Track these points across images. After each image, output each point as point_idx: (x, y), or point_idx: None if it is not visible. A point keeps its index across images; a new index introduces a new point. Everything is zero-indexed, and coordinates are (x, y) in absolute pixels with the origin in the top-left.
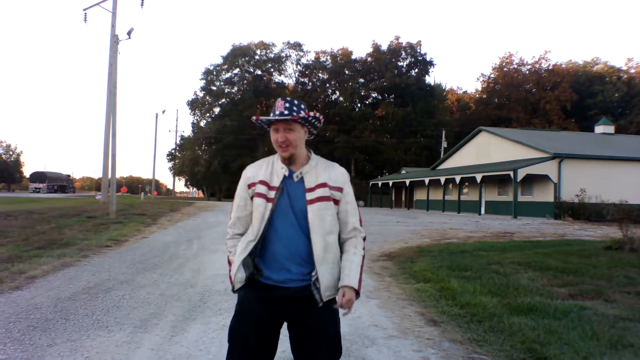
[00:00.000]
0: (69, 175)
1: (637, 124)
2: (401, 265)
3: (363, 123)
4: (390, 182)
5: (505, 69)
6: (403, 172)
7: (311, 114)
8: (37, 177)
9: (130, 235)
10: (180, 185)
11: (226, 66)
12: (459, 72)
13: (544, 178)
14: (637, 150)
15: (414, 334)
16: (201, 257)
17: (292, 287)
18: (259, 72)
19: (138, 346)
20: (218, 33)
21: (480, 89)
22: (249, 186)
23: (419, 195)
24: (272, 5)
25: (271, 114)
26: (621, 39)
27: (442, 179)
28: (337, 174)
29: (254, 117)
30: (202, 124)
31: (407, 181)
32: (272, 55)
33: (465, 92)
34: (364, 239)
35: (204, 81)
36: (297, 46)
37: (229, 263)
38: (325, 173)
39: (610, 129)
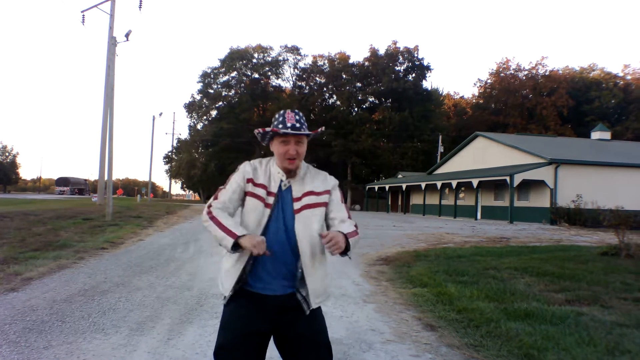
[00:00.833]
0: (86, 180)
1: (633, 130)
2: (398, 269)
3: (360, 127)
4: (387, 187)
5: (502, 74)
6: (400, 176)
7: (319, 130)
8: (62, 181)
9: (127, 237)
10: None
11: (223, 69)
12: (455, 77)
13: (540, 183)
14: (633, 156)
15: (411, 338)
16: (197, 260)
17: (282, 295)
18: (257, 76)
19: (134, 349)
20: (216, 36)
21: (477, 94)
22: (248, 180)
23: (416, 199)
24: (270, 9)
25: (277, 124)
26: (618, 45)
27: (439, 184)
28: (324, 183)
29: (262, 129)
30: (199, 126)
31: (404, 185)
32: (270, 59)
33: (462, 97)
34: (356, 226)
35: (201, 84)
36: (294, 50)
37: (219, 223)
38: (313, 182)
39: (607, 135)
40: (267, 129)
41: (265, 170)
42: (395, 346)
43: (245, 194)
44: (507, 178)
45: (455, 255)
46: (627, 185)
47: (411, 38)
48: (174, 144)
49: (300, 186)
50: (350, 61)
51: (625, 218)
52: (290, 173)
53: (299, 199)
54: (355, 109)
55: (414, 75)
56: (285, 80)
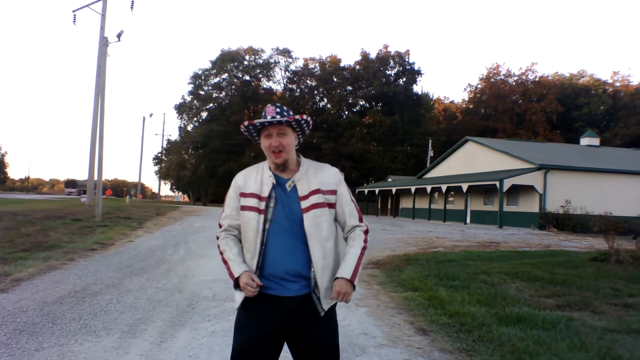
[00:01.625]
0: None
1: (621, 137)
2: (389, 273)
3: (350, 130)
4: (377, 190)
5: (492, 79)
6: (389, 180)
7: (303, 116)
8: (70, 183)
9: (117, 238)
10: (165, 189)
11: (214, 71)
12: (446, 82)
13: (529, 188)
14: (622, 162)
15: (404, 342)
16: (188, 262)
17: (296, 296)
18: (248, 78)
19: (127, 352)
20: (207, 38)
21: (467, 99)
22: (241, 194)
23: (405, 203)
24: (262, 12)
25: (258, 120)
26: (607, 52)
27: (429, 188)
28: (329, 176)
29: (245, 123)
30: (189, 128)
31: (394, 189)
32: (261, 61)
33: (452, 102)
34: (366, 232)
35: (192, 85)
36: (286, 52)
37: (225, 262)
38: (317, 177)
39: (596, 141)
40: (246, 123)
41: (257, 175)
42: (389, 350)
43: (242, 208)
44: (497, 183)
45: (445, 260)
46: (615, 191)
47: (402, 42)
48: (164, 145)
49: (305, 184)
50: (342, 64)
51: (615, 224)
52: (280, 167)
53: (305, 197)
54: (346, 113)
55: (404, 79)
56: (276, 82)
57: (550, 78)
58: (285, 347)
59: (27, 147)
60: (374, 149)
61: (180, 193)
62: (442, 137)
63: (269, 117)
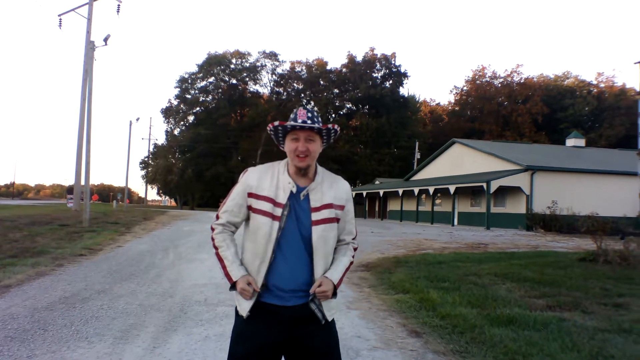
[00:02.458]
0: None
1: (606, 137)
2: (379, 275)
3: None
4: (364, 193)
5: (478, 81)
6: (377, 182)
7: (335, 126)
8: (71, 190)
9: (105, 244)
10: (152, 194)
11: (201, 74)
12: (432, 84)
13: (516, 190)
14: (607, 163)
15: (397, 345)
16: (178, 266)
17: (295, 306)
18: (234, 81)
19: (120, 358)
20: (194, 41)
21: (453, 101)
22: (249, 195)
23: (393, 205)
24: (249, 15)
25: (289, 122)
26: (592, 53)
27: (416, 190)
28: (342, 191)
29: (276, 124)
30: (176, 132)
31: (381, 192)
32: (248, 65)
33: (438, 104)
34: (355, 249)
35: (179, 89)
36: (272, 56)
37: (221, 260)
38: (331, 191)
39: (581, 142)
40: (276, 123)
41: (272, 178)
42: (382, 353)
43: (249, 208)
44: (484, 184)
45: (435, 262)
46: (601, 192)
47: (389, 45)
48: (151, 150)
49: (319, 195)
50: (328, 67)
51: (603, 224)
52: (301, 172)
53: (317, 209)
54: (333, 115)
55: (391, 82)
56: (263, 86)
57: (535, 80)
58: None
59: (12, 152)
60: (361, 152)
61: (167, 197)
62: (428, 139)
63: (299, 121)
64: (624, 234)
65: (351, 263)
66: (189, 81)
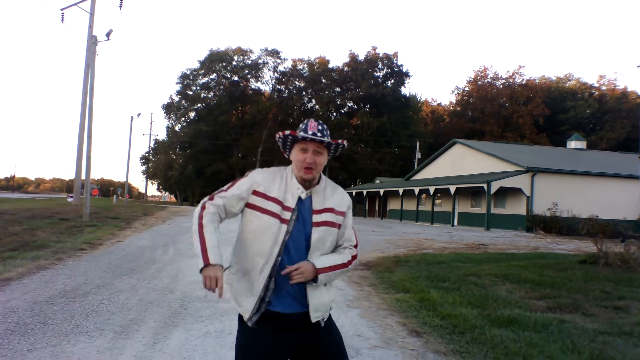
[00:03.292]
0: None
1: (607, 140)
2: (380, 274)
3: (338, 132)
4: (364, 192)
5: (479, 82)
6: (377, 181)
7: (344, 142)
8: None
9: (105, 238)
10: (152, 189)
11: (203, 71)
12: (433, 84)
13: (516, 191)
14: (608, 166)
15: (397, 344)
16: (178, 262)
17: (302, 312)
18: (236, 78)
19: (120, 353)
20: (196, 38)
21: (454, 101)
22: (255, 192)
23: (393, 205)
24: (251, 12)
25: (298, 132)
26: (594, 56)
27: (416, 190)
28: (342, 200)
29: (287, 133)
30: (176, 128)
31: (381, 191)
32: (250, 62)
33: (439, 104)
34: (355, 256)
35: (180, 85)
36: (274, 53)
37: (202, 237)
38: (333, 197)
39: (582, 144)
40: (287, 132)
41: (282, 182)
42: (383, 352)
43: (248, 206)
44: (484, 185)
45: (435, 261)
46: (601, 195)
47: (391, 44)
48: (152, 145)
49: (321, 198)
50: (330, 66)
51: (603, 227)
52: (306, 184)
53: (319, 212)
54: (334, 114)
55: (392, 81)
56: (265, 83)
57: (537, 81)
58: None
59: (12, 146)
60: (362, 151)
61: (167, 193)
62: (429, 139)
63: (310, 132)
64: (625, 237)
65: (345, 264)
66: (191, 77)
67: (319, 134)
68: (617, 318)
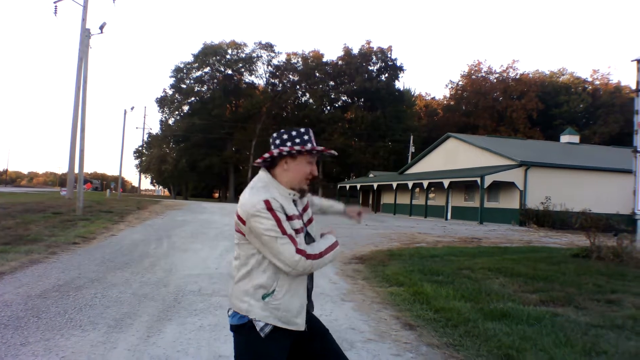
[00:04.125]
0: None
1: (601, 135)
2: (373, 268)
3: (332, 126)
4: (358, 186)
5: (473, 76)
6: (371, 175)
7: (330, 152)
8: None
9: (98, 232)
10: (146, 183)
11: (197, 64)
12: (427, 78)
13: (510, 185)
14: (601, 160)
15: (391, 337)
16: (172, 256)
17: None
18: (230, 72)
19: (114, 346)
20: (190, 31)
21: (448, 95)
22: (287, 218)
23: (387, 199)
24: (245, 5)
25: (306, 142)
26: (587, 51)
27: (410, 184)
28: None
29: (319, 148)
30: (170, 122)
31: (375, 185)
32: (244, 55)
33: (433, 98)
34: None
35: (174, 79)
36: (268, 47)
37: (327, 249)
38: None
39: (576, 138)
40: (319, 148)
41: (281, 196)
42: (376, 345)
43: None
44: (478, 179)
45: (429, 255)
46: (594, 189)
47: (385, 38)
48: (145, 139)
49: (303, 199)
50: (324, 60)
51: (597, 221)
52: (301, 194)
53: (304, 210)
54: (328, 108)
55: (386, 75)
56: (259, 77)
57: (531, 76)
58: None
59: (5, 139)
60: (356, 145)
61: (160, 187)
62: (423, 133)
63: (315, 144)
64: (617, 231)
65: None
66: (184, 71)
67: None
68: (609, 311)
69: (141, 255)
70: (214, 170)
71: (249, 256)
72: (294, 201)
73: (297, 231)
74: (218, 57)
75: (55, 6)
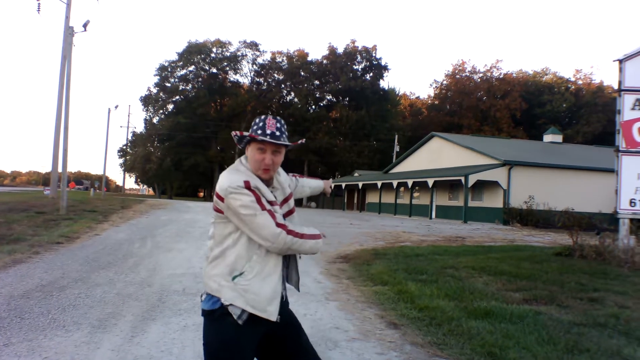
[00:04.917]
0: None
1: (583, 134)
2: (358, 267)
3: (317, 125)
4: (343, 185)
5: (457, 76)
6: (356, 174)
7: (303, 141)
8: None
9: (82, 232)
10: (130, 182)
11: (181, 63)
12: (412, 77)
13: (494, 184)
14: (584, 159)
15: (376, 336)
16: (156, 255)
17: (284, 299)
18: (214, 70)
19: (98, 347)
20: (174, 29)
21: (432, 95)
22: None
23: (371, 198)
24: (230, 3)
25: (256, 130)
26: (570, 50)
27: (395, 183)
28: (287, 179)
29: (239, 133)
30: (155, 120)
31: (360, 184)
32: (228, 54)
33: (417, 98)
34: None
35: (158, 77)
36: (253, 45)
37: (303, 235)
38: (283, 181)
39: (559, 138)
40: (245, 134)
41: (260, 183)
42: (361, 344)
43: None
44: (462, 178)
45: (413, 254)
46: (577, 188)
47: (370, 37)
48: (129, 138)
49: (281, 189)
50: (309, 59)
51: (579, 220)
52: (264, 182)
53: (285, 201)
54: (313, 107)
55: (371, 74)
56: (244, 75)
57: (514, 75)
58: None
59: None
60: (341, 144)
61: (145, 186)
62: (408, 132)
63: (268, 132)
64: (600, 230)
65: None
66: (169, 69)
67: (277, 133)
68: (591, 309)
69: (125, 254)
70: (198, 169)
71: (224, 236)
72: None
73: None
74: (203, 56)
75: (39, 3)
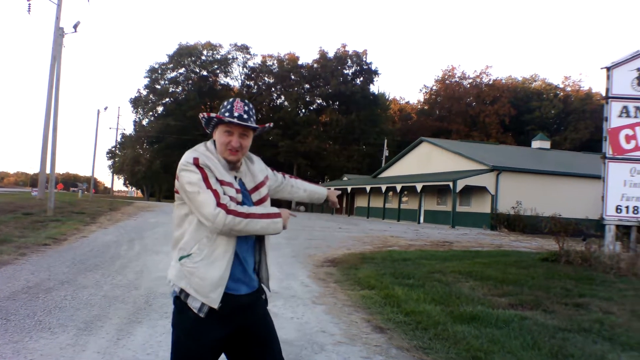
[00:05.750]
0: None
1: (571, 140)
2: (345, 271)
3: (307, 128)
4: (332, 189)
5: (447, 81)
6: (345, 178)
7: (270, 124)
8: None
9: (70, 233)
10: (119, 184)
11: (172, 65)
12: (402, 82)
13: (482, 189)
14: (571, 165)
15: (362, 340)
16: (144, 258)
17: (251, 292)
18: (205, 73)
19: (83, 349)
20: (165, 31)
21: (422, 100)
22: (217, 181)
23: (360, 202)
24: (221, 6)
25: (224, 112)
26: (559, 57)
27: (383, 187)
28: (261, 165)
29: (212, 115)
30: (144, 122)
31: (349, 188)
32: (219, 57)
33: (407, 103)
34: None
35: (148, 79)
36: (244, 49)
37: (252, 214)
38: (256, 168)
39: (547, 144)
40: (212, 115)
41: (220, 165)
42: (347, 348)
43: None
44: (450, 183)
45: (400, 259)
46: (564, 194)
47: (360, 42)
48: (118, 140)
49: (250, 177)
50: (300, 62)
51: (566, 225)
52: (230, 165)
53: (256, 189)
54: (303, 110)
55: (361, 79)
56: (234, 78)
57: (503, 81)
58: None
59: None
60: (330, 148)
61: (133, 188)
62: (397, 137)
63: (236, 114)
64: (586, 236)
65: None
66: (159, 71)
67: (245, 116)
68: (577, 315)
69: (112, 257)
70: None
71: (182, 217)
72: (240, 178)
73: (231, 199)
74: (193, 58)
75: (29, 4)
